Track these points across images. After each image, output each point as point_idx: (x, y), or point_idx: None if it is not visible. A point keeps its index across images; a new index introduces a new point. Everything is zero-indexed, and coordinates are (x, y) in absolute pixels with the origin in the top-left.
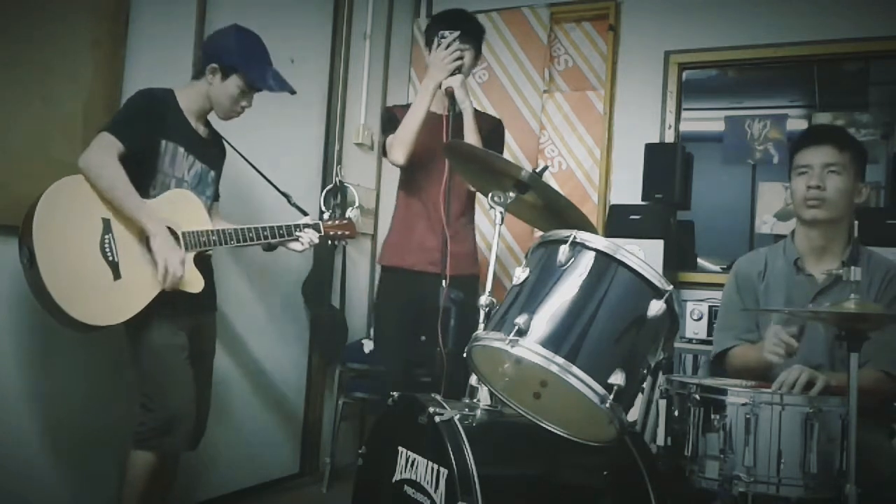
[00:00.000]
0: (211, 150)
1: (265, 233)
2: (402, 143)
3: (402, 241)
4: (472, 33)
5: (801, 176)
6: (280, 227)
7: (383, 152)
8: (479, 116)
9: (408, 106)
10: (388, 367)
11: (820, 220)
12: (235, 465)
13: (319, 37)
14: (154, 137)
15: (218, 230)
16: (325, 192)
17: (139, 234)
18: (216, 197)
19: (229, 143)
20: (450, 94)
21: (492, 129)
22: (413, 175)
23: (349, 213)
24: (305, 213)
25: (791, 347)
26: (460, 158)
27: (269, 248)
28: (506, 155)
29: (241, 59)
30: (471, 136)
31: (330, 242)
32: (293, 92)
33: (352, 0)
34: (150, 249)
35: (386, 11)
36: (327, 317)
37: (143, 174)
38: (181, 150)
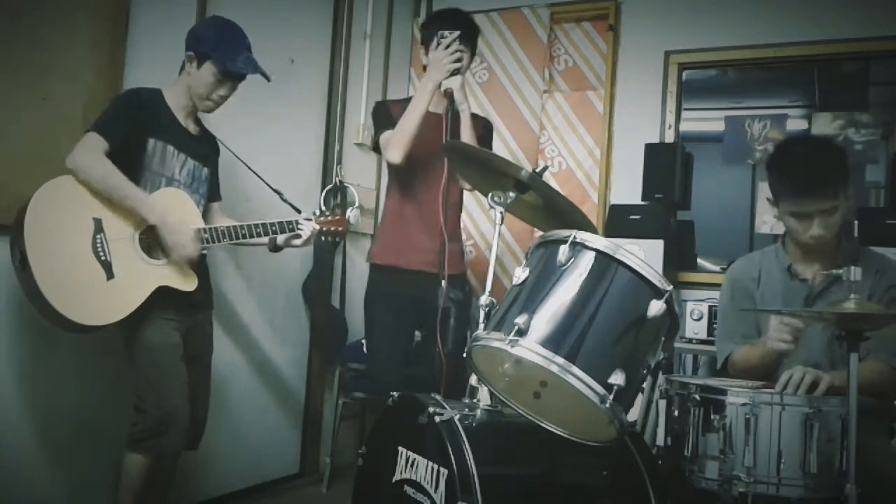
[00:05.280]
0: (203, 148)
1: (258, 230)
2: (399, 143)
3: (397, 241)
4: (470, 34)
5: (797, 220)
6: (273, 224)
7: (374, 148)
8: (472, 117)
9: (402, 101)
10: (383, 366)
11: (815, 247)
12: (235, 465)
13: (319, 37)
14: (141, 136)
15: (211, 228)
16: (325, 191)
17: (131, 233)
18: (215, 196)
19: (221, 142)
20: (449, 95)
21: (483, 130)
22: (408, 175)
23: (349, 212)
24: (298, 211)
25: (797, 331)
26: (460, 158)
27: (275, 248)
28: (506, 155)
29: (214, 44)
30: (467, 137)
31: (323, 238)
32: (268, 78)
33: (352, 0)
34: (142, 248)
35: (386, 11)
36: (327, 317)
37: (133, 174)
38: (171, 148)
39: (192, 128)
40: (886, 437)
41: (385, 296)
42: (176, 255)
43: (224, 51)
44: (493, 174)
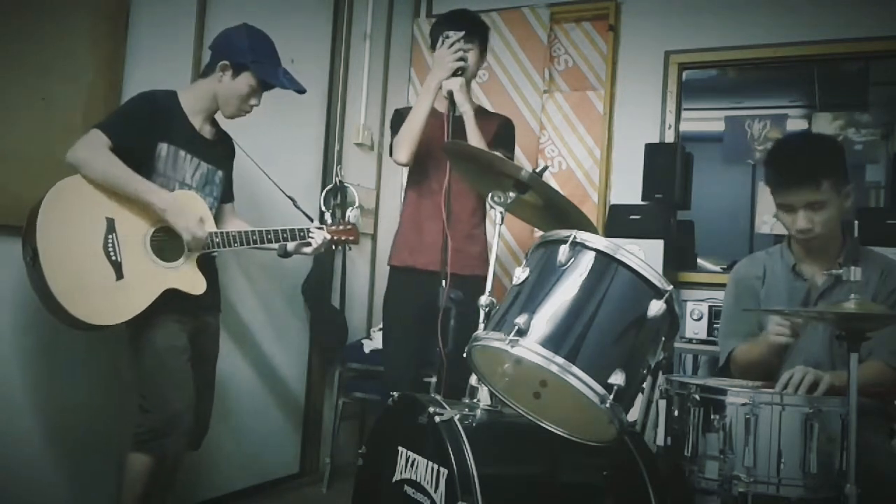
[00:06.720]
0: (216, 151)
1: (269, 236)
2: (402, 143)
3: (413, 241)
4: (476, 33)
5: (785, 213)
6: (284, 231)
7: (391, 153)
8: (487, 117)
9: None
10: (397, 367)
11: (814, 244)
12: (235, 465)
13: (319, 37)
14: (150, 140)
15: (222, 232)
16: (325, 192)
17: (143, 234)
18: (228, 198)
19: (238, 146)
20: (449, 96)
21: (501, 128)
22: (423, 174)
23: (349, 213)
24: (311, 219)
25: (796, 325)
26: (460, 159)
27: (285, 254)
28: None
29: (254, 56)
30: (473, 139)
31: (334, 247)
32: (303, 91)
33: (352, 0)
34: (153, 250)
35: (386, 11)
36: (327, 317)
37: (144, 178)
38: (182, 152)
39: (207, 131)
40: (886, 437)
41: (399, 297)
42: (188, 236)
43: (265, 64)
44: (492, 174)
